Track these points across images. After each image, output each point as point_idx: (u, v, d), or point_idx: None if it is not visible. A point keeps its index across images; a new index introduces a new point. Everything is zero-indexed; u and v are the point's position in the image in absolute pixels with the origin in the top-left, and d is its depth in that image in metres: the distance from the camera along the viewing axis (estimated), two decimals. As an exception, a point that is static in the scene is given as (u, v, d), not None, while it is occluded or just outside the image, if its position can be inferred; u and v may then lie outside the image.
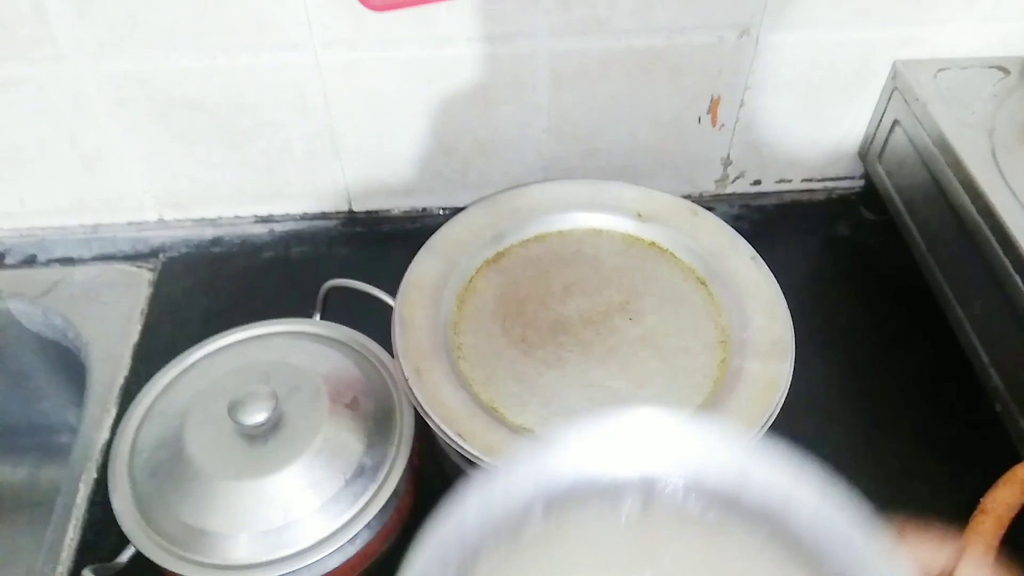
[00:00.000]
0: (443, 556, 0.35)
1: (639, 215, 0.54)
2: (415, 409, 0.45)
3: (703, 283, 0.51)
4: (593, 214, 0.54)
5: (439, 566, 0.35)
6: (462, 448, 0.41)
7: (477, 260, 0.51)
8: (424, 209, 0.70)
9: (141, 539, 0.43)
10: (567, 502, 0.37)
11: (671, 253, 0.53)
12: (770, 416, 0.44)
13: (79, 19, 0.54)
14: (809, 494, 0.31)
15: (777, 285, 0.50)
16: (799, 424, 0.54)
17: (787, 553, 0.32)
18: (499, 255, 0.52)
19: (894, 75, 0.62)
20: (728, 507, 0.33)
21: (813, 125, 0.65)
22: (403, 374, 0.44)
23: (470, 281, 0.50)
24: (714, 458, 0.33)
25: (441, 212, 0.70)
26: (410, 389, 0.44)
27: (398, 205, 0.69)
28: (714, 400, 0.45)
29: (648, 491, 0.36)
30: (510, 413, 0.44)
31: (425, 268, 0.49)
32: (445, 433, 0.42)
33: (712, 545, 0.35)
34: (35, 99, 0.58)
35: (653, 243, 0.53)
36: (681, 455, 0.34)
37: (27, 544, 0.74)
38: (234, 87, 0.58)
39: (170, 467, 0.44)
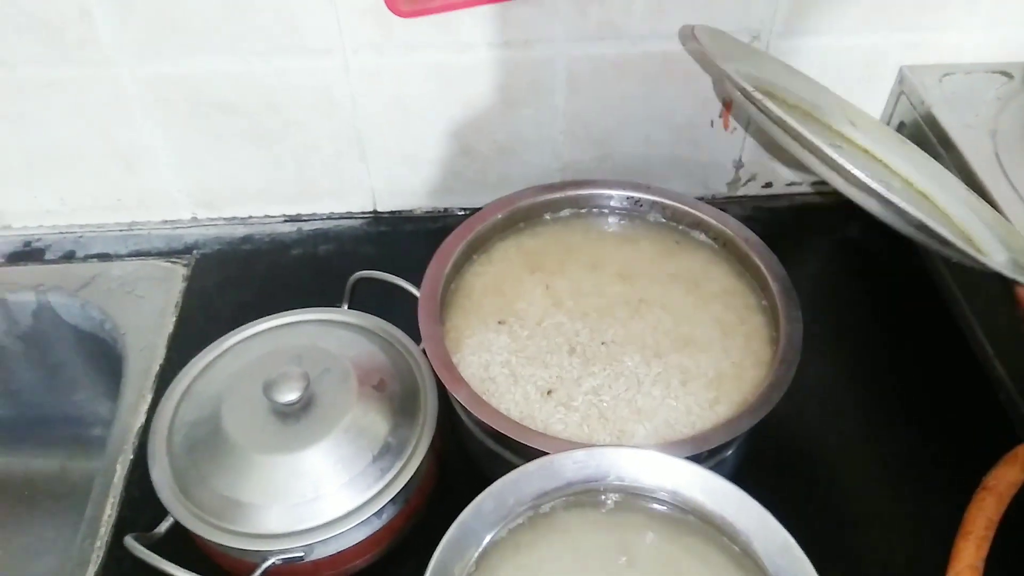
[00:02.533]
0: (462, 543, 0.38)
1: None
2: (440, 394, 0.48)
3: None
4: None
5: (458, 552, 0.38)
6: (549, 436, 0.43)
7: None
8: (446, 209, 0.72)
9: (179, 509, 0.45)
10: (557, 503, 0.40)
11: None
12: None
13: (122, 23, 0.57)
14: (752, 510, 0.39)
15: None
16: (810, 418, 0.57)
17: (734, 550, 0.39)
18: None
19: (901, 80, 0.64)
20: (690, 510, 0.40)
21: (822, 129, 0.67)
22: None
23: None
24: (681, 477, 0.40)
25: (462, 211, 0.72)
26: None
27: (420, 205, 0.72)
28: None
29: (624, 493, 0.41)
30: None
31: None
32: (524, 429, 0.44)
33: (675, 539, 0.40)
34: (77, 100, 0.62)
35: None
36: (656, 471, 0.41)
37: (56, 534, 0.76)
38: (267, 90, 0.61)
39: (207, 443, 0.46)
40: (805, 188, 0.72)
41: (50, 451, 0.79)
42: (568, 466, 0.40)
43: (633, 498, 0.41)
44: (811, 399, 0.56)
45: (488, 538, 0.38)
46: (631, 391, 0.47)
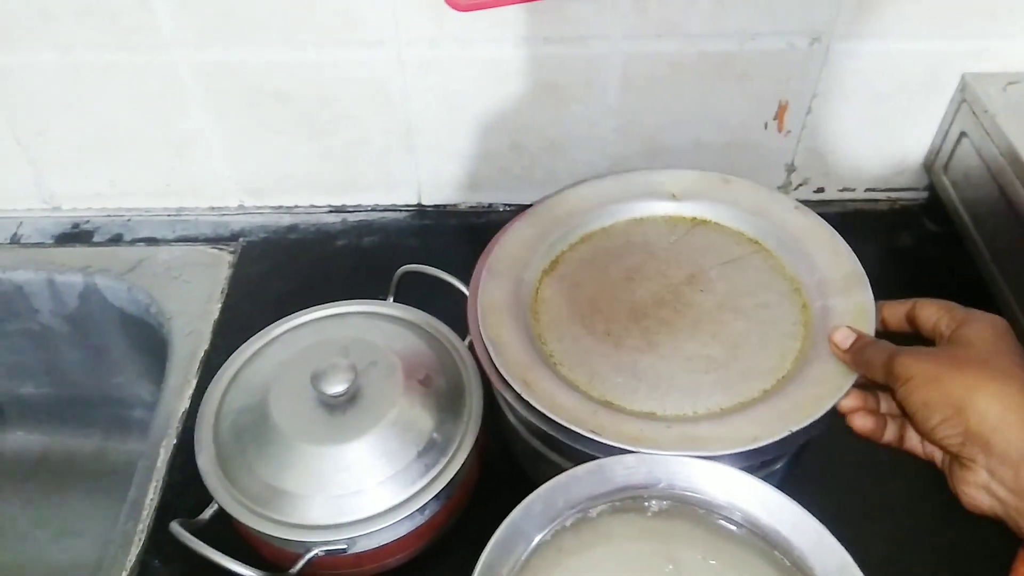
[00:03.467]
0: (510, 544, 0.37)
1: (673, 195, 0.55)
2: (484, 391, 0.47)
3: (755, 242, 0.53)
4: (629, 204, 0.56)
5: (506, 552, 0.37)
6: (602, 441, 0.42)
7: (536, 272, 0.53)
8: (490, 205, 0.72)
9: (224, 497, 0.45)
10: (604, 507, 0.39)
11: (715, 223, 0.55)
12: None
13: (180, 10, 0.58)
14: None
15: (828, 225, 0.52)
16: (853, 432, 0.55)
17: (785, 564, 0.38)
18: (554, 263, 0.53)
19: (963, 87, 0.62)
20: (743, 522, 0.40)
21: (879, 135, 0.66)
22: (512, 390, 0.45)
23: (536, 293, 0.51)
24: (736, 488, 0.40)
25: (505, 208, 0.72)
26: (525, 402, 0.44)
27: (465, 200, 0.72)
28: (813, 342, 0.46)
29: (673, 500, 0.40)
30: (626, 402, 0.45)
31: (493, 290, 0.50)
32: (575, 432, 0.42)
33: (724, 549, 0.39)
34: (133, 85, 0.62)
35: (695, 218, 0.55)
36: (710, 481, 0.40)
37: (93, 511, 0.77)
38: (320, 81, 0.61)
39: (254, 430, 0.46)
40: (858, 194, 0.70)
41: (90, 431, 0.80)
42: (618, 471, 0.40)
43: (681, 505, 0.41)
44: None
45: (537, 540, 0.38)
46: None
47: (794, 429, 0.41)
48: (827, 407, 0.42)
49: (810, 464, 0.51)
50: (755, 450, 0.41)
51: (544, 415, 0.43)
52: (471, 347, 0.50)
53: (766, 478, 0.42)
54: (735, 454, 0.41)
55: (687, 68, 0.61)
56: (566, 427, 0.42)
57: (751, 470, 0.41)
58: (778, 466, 0.46)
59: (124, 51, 0.60)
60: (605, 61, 0.60)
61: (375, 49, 0.60)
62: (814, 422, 0.42)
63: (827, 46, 0.60)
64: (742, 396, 0.45)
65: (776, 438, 0.41)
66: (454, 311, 0.53)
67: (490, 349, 0.46)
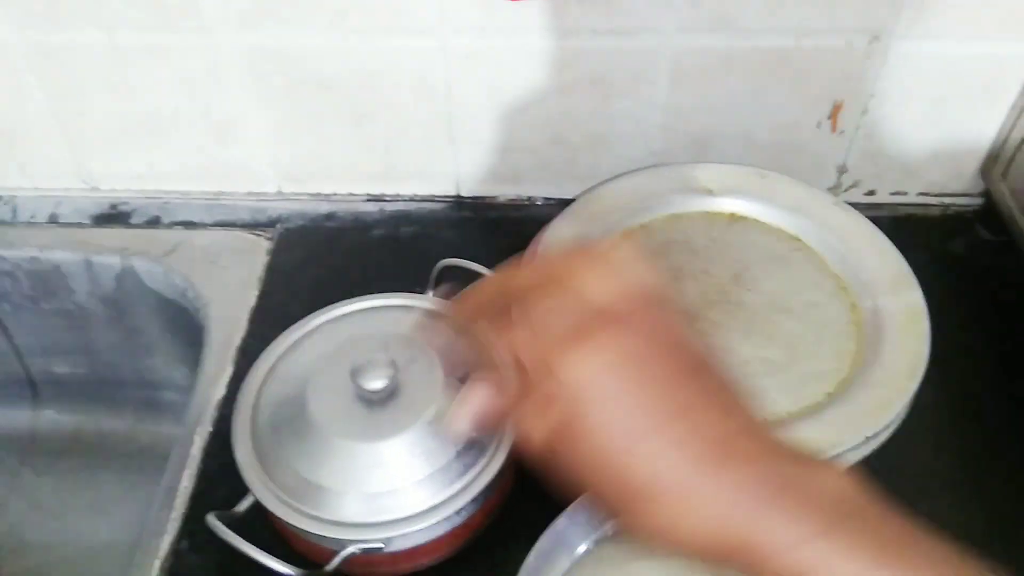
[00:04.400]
0: (554, 553, 0.37)
1: (710, 191, 0.54)
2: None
3: (796, 239, 0.52)
4: (666, 200, 0.55)
5: (549, 561, 0.36)
6: None
7: None
8: (529, 198, 0.71)
9: (260, 489, 0.44)
10: None
11: (754, 220, 0.54)
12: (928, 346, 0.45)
13: (225, -6, 0.57)
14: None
15: (869, 222, 0.50)
16: (907, 447, 0.54)
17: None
18: None
19: (1026, 92, 0.60)
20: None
21: (935, 138, 0.64)
22: None
23: None
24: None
25: (545, 202, 0.70)
26: None
27: (504, 192, 0.70)
28: (869, 343, 0.45)
29: None
30: None
31: None
32: None
33: None
34: (175, 68, 0.62)
35: (733, 214, 0.54)
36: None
37: (124, 492, 0.78)
38: (363, 68, 0.60)
39: (291, 424, 0.46)
40: (910, 198, 0.68)
41: (122, 411, 0.80)
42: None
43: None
44: (904, 428, 0.53)
45: (581, 549, 0.37)
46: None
47: (869, 434, 0.40)
48: (898, 410, 0.41)
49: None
50: (831, 459, 0.40)
51: None
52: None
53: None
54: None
55: (739, 64, 0.59)
56: None
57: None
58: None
59: (167, 33, 0.59)
60: (655, 55, 0.59)
61: (420, 38, 0.58)
62: (887, 426, 0.41)
63: (887, 45, 0.58)
64: (807, 400, 0.44)
65: (854, 443, 0.40)
66: (493, 307, 0.52)
67: None
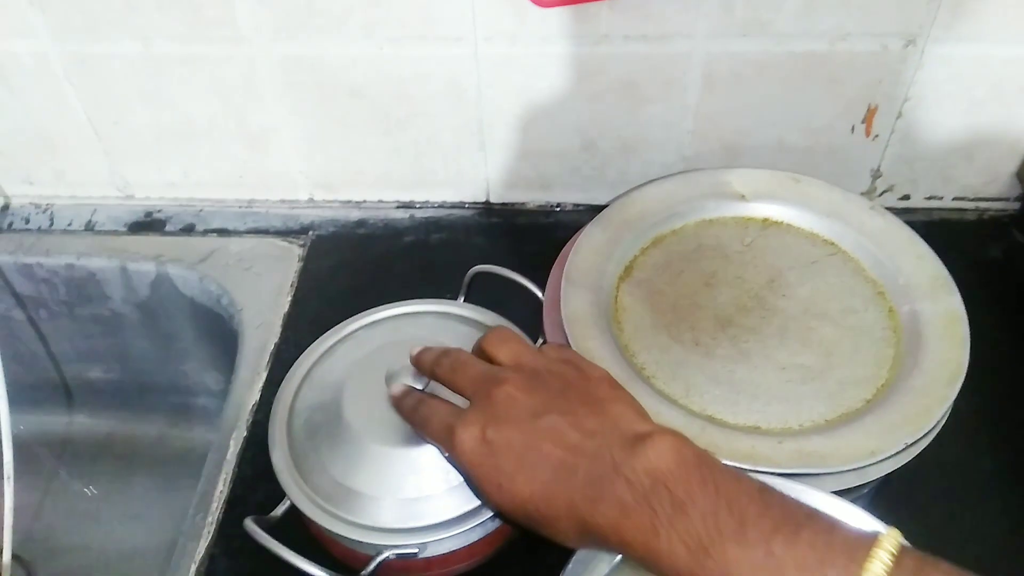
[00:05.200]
0: (593, 557, 0.36)
1: (743, 196, 0.54)
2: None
3: (831, 243, 0.52)
4: (698, 205, 0.54)
5: (588, 568, 0.36)
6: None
7: (612, 279, 0.51)
8: (559, 205, 0.71)
9: (297, 494, 0.45)
10: None
11: (788, 224, 0.53)
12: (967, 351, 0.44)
13: (259, 4, 0.57)
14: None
15: (907, 227, 0.50)
16: (944, 452, 0.53)
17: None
18: (628, 268, 0.52)
19: (1066, 94, 0.59)
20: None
21: (971, 142, 0.63)
22: None
23: (616, 302, 0.50)
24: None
25: (574, 208, 0.70)
26: None
27: (534, 199, 0.71)
28: (908, 349, 0.45)
29: None
30: (728, 416, 0.44)
31: (574, 300, 0.49)
32: None
33: None
34: (210, 77, 0.62)
35: (767, 219, 0.54)
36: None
37: (158, 496, 0.78)
38: (395, 76, 0.61)
39: (327, 429, 0.46)
40: (945, 203, 0.67)
41: (154, 416, 0.81)
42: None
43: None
44: (941, 434, 0.53)
45: (620, 556, 0.36)
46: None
47: (909, 442, 0.40)
48: (937, 417, 0.40)
49: (893, 487, 0.49)
50: (870, 466, 0.39)
51: None
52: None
53: (853, 503, 0.40)
54: (847, 472, 0.39)
55: (772, 69, 0.59)
56: None
57: (846, 493, 0.39)
58: (867, 490, 0.44)
59: (203, 43, 0.60)
60: (686, 61, 0.59)
61: (452, 45, 0.59)
62: (927, 433, 0.40)
63: (922, 49, 0.57)
64: (844, 407, 0.43)
65: (894, 451, 0.39)
66: (522, 313, 0.52)
67: None
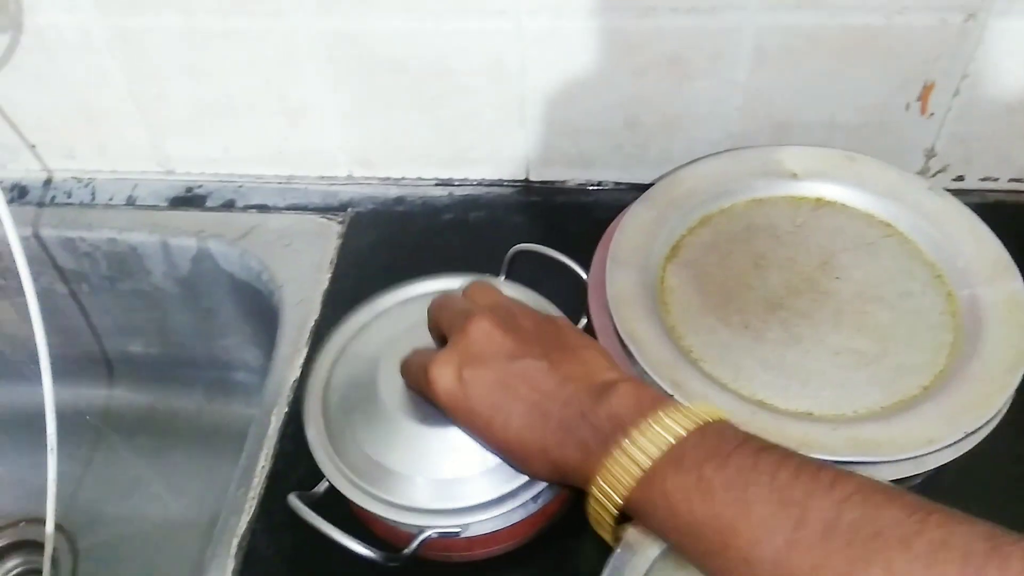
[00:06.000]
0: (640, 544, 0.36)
1: (794, 174, 0.52)
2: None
3: (888, 225, 0.50)
4: (748, 183, 0.53)
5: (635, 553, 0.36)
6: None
7: (658, 259, 0.50)
8: (600, 183, 0.69)
9: (331, 470, 0.44)
10: None
11: (842, 204, 0.51)
12: None
13: (301, -24, 0.57)
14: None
15: (967, 208, 0.48)
16: (1003, 444, 0.51)
17: None
18: (675, 249, 0.51)
19: None
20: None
21: (1031, 121, 0.61)
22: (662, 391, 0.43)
23: (662, 282, 0.49)
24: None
25: (615, 186, 0.69)
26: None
27: (574, 177, 0.69)
28: (967, 335, 0.44)
29: None
30: (779, 402, 0.43)
31: (620, 280, 0.48)
32: None
33: None
34: (250, 52, 0.62)
35: (819, 199, 0.52)
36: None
37: (198, 470, 0.79)
38: (437, 51, 0.60)
39: (362, 406, 0.45)
40: (1001, 184, 0.65)
41: (193, 390, 0.82)
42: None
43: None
44: (1011, 422, 0.51)
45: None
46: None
47: (968, 430, 0.38)
48: (998, 406, 0.39)
49: (948, 476, 0.47)
50: (927, 455, 0.38)
51: None
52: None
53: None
54: (904, 460, 0.38)
55: (826, 43, 0.57)
56: None
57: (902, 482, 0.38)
58: (918, 481, 0.43)
59: (244, 16, 0.60)
60: (736, 34, 0.57)
61: (495, 19, 0.58)
62: (987, 422, 0.39)
63: (983, 23, 0.55)
64: (900, 394, 0.42)
65: (952, 440, 0.38)
66: (562, 292, 0.51)
67: (630, 346, 0.43)
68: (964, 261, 0.46)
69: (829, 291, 0.47)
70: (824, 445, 0.39)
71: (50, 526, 0.62)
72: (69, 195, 0.73)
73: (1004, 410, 0.41)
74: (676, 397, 0.41)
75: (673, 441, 0.32)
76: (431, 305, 0.45)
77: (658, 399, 0.35)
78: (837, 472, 0.30)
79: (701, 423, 0.33)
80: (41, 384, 0.58)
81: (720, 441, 0.32)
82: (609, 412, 0.35)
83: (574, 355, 0.39)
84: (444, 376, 0.39)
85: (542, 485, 0.43)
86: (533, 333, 0.40)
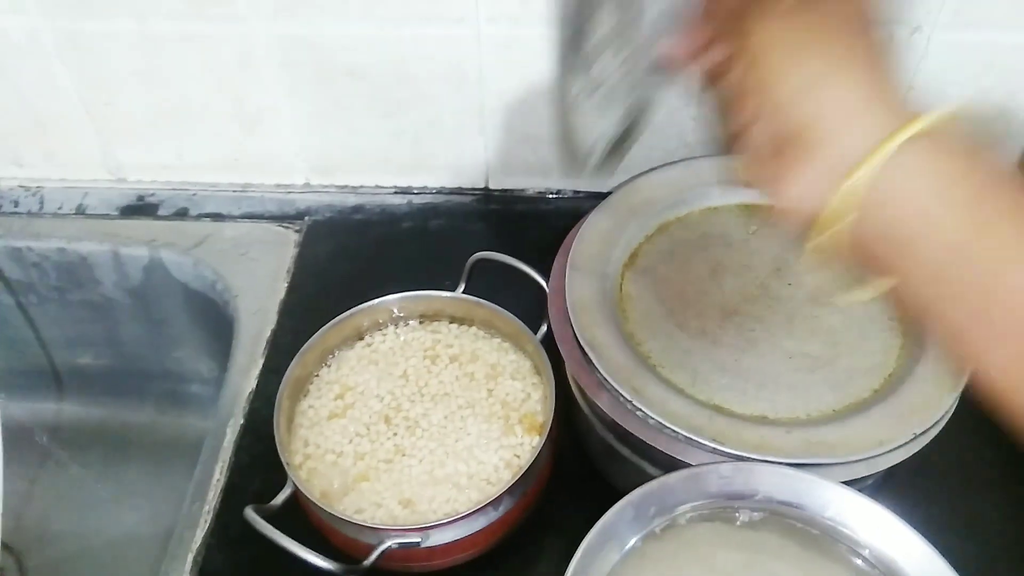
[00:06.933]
0: (601, 549, 0.36)
1: (748, 183, 0.53)
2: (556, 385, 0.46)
3: None
4: (703, 192, 0.54)
5: (596, 558, 0.36)
6: (725, 451, 0.40)
7: (617, 266, 0.51)
8: (559, 191, 0.70)
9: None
10: (693, 515, 0.38)
11: None
12: None
13: (258, -18, 0.56)
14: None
15: None
16: (953, 444, 0.52)
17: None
18: (633, 256, 0.52)
19: (1072, 83, 0.59)
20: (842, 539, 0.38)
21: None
22: (614, 395, 0.43)
23: (621, 291, 0.49)
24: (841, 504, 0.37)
25: (574, 195, 0.70)
26: (639, 408, 0.42)
27: (534, 185, 0.70)
28: (916, 338, 0.45)
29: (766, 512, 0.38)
30: (736, 405, 0.43)
31: (580, 287, 0.48)
32: (701, 444, 0.40)
33: (818, 564, 0.37)
34: (206, 57, 0.61)
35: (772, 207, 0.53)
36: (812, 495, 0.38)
37: (150, 484, 0.77)
38: (396, 58, 0.60)
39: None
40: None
41: (146, 403, 0.80)
42: (713, 480, 0.38)
43: (772, 517, 0.39)
44: (959, 423, 0.52)
45: (628, 546, 0.36)
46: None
47: (918, 432, 0.39)
48: (946, 406, 0.40)
49: (900, 476, 0.48)
50: (878, 456, 0.39)
51: (657, 422, 0.41)
52: (544, 341, 0.48)
53: (860, 491, 0.40)
54: (856, 462, 0.39)
55: (778, 55, 0.58)
56: (685, 436, 0.40)
57: (853, 483, 0.39)
58: (871, 481, 0.44)
59: (200, 22, 0.59)
60: (691, 45, 0.58)
61: (454, 26, 0.58)
62: (936, 423, 0.40)
63: (928, 36, 0.57)
64: (852, 396, 0.43)
65: (903, 441, 0.39)
66: (523, 300, 0.51)
67: (589, 353, 0.44)
68: None
69: (782, 296, 0.48)
70: (779, 448, 0.39)
71: (-4, 545, 0.60)
72: (16, 204, 0.71)
73: (952, 411, 0.42)
74: (635, 403, 0.42)
75: None
76: None
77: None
78: None
79: None
80: (-14, 398, 0.57)
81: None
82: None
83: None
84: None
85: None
86: None
